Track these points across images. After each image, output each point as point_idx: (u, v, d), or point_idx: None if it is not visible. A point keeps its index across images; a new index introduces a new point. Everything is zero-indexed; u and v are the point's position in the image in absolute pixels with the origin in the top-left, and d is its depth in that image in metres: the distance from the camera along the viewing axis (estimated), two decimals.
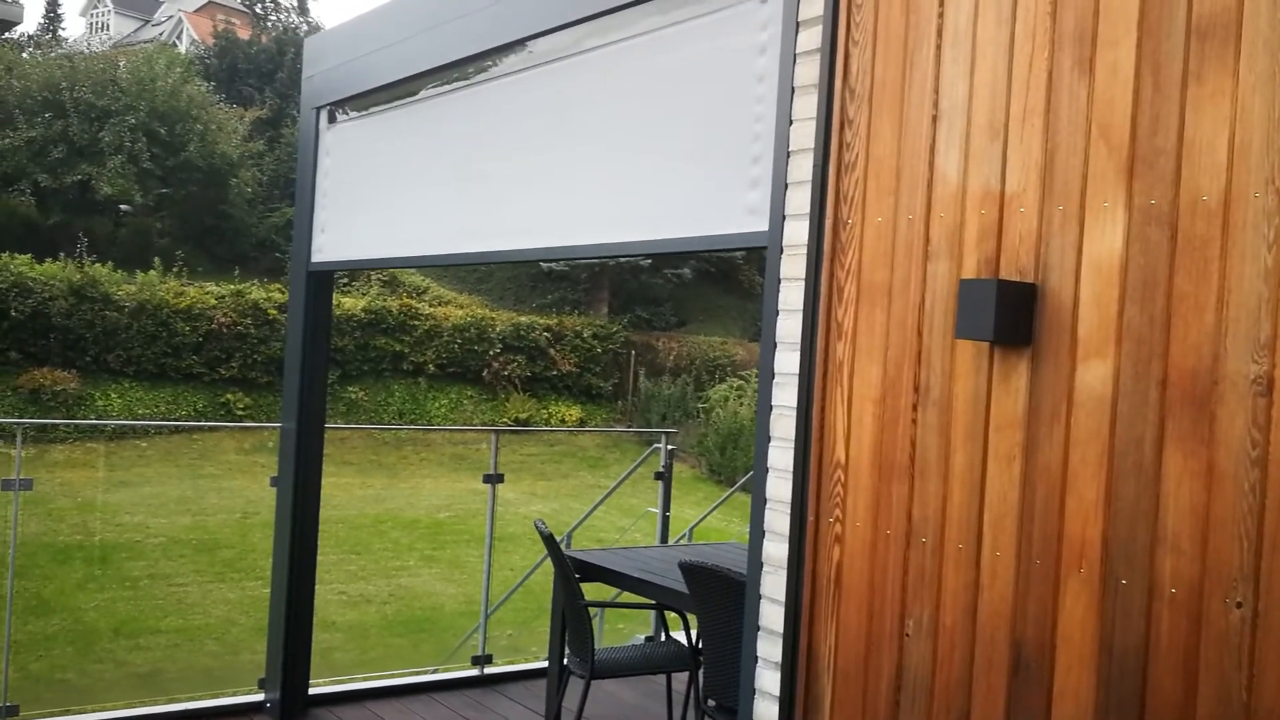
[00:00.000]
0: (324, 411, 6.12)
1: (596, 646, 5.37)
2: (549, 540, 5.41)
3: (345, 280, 26.20)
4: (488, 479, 6.91)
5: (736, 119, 3.56)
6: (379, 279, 27.42)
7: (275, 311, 22.47)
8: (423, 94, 5.31)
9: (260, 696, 6.08)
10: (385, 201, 5.44)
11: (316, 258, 5.89)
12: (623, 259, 27.01)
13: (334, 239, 5.80)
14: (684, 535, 8.90)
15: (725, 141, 3.60)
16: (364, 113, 5.72)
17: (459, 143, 4.95)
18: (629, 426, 25.64)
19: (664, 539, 7.93)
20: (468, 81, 4.95)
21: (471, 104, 4.88)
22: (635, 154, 3.99)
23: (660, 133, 3.88)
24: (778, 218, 3.32)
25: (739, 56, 3.55)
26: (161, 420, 20.94)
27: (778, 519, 3.30)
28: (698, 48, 3.75)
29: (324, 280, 6.00)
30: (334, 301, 7.40)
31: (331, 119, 5.86)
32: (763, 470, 3.36)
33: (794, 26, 3.31)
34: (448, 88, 5.10)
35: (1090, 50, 2.61)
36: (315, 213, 5.92)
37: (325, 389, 6.13)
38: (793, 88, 3.30)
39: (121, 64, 28.54)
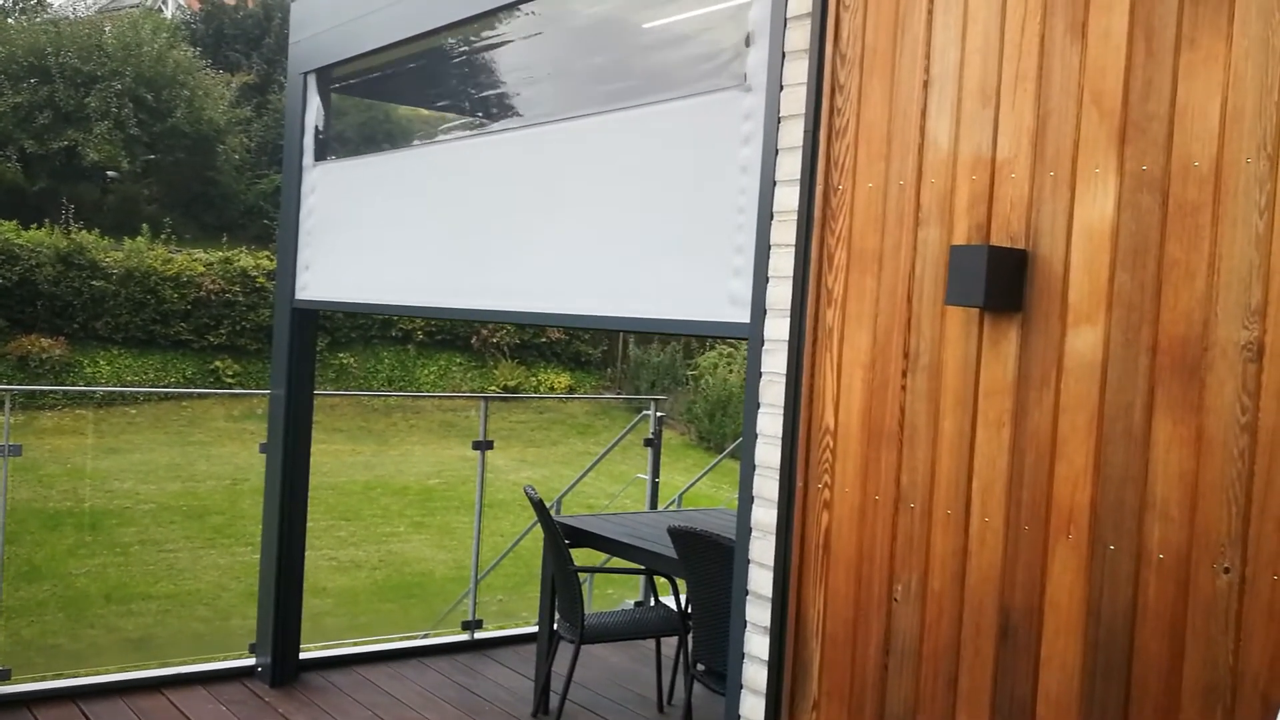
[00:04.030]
0: (313, 379, 6.12)
1: (586, 611, 5.39)
2: (539, 506, 5.42)
3: None
4: (477, 445, 6.91)
5: (720, 210, 3.55)
6: None
7: (264, 279, 22.38)
8: (412, 145, 5.35)
9: (251, 661, 6.10)
10: (370, 248, 5.46)
11: (301, 295, 5.91)
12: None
13: (318, 278, 5.82)
14: (673, 501, 8.92)
15: (709, 230, 3.59)
16: (351, 156, 5.73)
17: (445, 198, 4.96)
18: (618, 393, 25.64)
19: (653, 505, 7.95)
20: (455, 137, 4.97)
21: (458, 159, 4.90)
22: (618, 228, 4.00)
23: (644, 211, 3.89)
24: (768, 194, 3.31)
25: (723, 145, 3.53)
26: (150, 387, 20.88)
27: (767, 485, 3.30)
28: (684, 132, 3.75)
29: (308, 317, 6.03)
30: None
31: (318, 156, 5.86)
32: (752, 436, 3.36)
33: None
34: (436, 141, 5.14)
35: (1083, 15, 2.60)
36: (299, 250, 5.93)
37: (314, 358, 6.13)
38: (784, 52, 3.28)
39: (107, 29, 28.21)
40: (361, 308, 5.65)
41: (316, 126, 5.85)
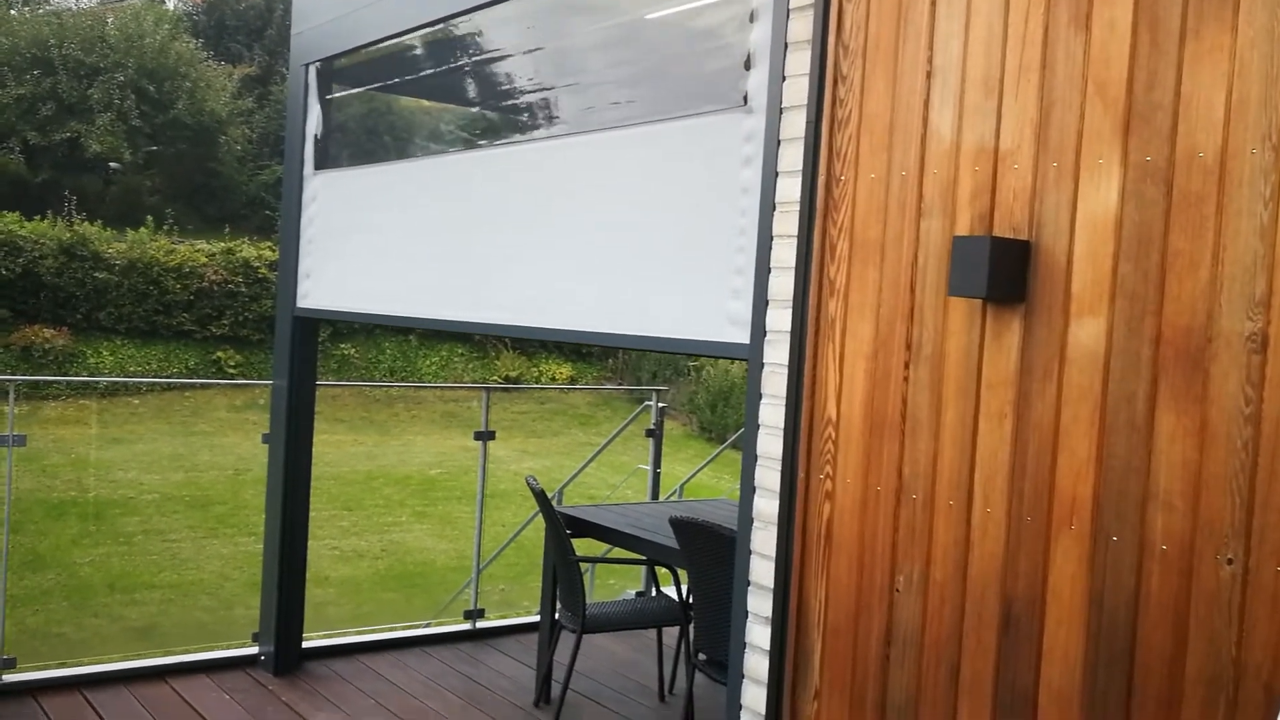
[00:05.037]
0: (315, 372, 6.13)
1: (588, 601, 5.40)
2: (540, 496, 5.42)
3: None
4: (479, 436, 6.91)
5: (721, 230, 3.53)
6: None
7: (266, 270, 22.40)
8: (413, 157, 5.35)
9: (255, 650, 6.12)
10: (370, 257, 5.46)
11: (302, 303, 5.92)
12: None
13: (319, 287, 5.83)
14: (675, 492, 8.94)
15: (710, 249, 3.57)
16: (351, 166, 5.73)
17: (446, 210, 4.95)
18: (620, 384, 25.65)
19: (655, 495, 7.95)
20: (456, 150, 4.98)
21: (459, 171, 4.89)
22: (618, 246, 3.98)
23: (644, 230, 3.87)
24: (769, 186, 3.31)
25: (724, 165, 3.52)
26: (153, 377, 20.91)
27: (768, 475, 3.30)
28: (684, 152, 3.73)
29: (310, 325, 6.04)
30: None
31: (319, 165, 5.87)
32: (754, 427, 3.36)
33: None
34: (437, 153, 5.15)
35: (1087, 5, 2.59)
36: (301, 258, 5.94)
37: (316, 354, 6.14)
38: (786, 42, 3.27)
39: (110, 21, 28.18)
40: (361, 317, 5.65)
41: (316, 135, 5.85)
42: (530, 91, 4.72)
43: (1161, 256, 2.43)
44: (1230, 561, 2.30)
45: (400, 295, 5.22)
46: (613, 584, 10.59)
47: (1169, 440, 2.41)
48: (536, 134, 4.58)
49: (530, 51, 4.67)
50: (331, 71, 5.88)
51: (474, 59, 5.07)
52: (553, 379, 24.84)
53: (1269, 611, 2.25)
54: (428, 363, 24.12)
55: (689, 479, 9.22)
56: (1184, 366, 2.39)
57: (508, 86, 4.95)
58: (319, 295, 5.81)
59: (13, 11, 28.89)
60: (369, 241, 5.44)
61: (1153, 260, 2.44)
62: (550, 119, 4.59)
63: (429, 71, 5.38)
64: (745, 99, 3.45)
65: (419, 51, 5.40)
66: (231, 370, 21.97)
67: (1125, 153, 2.50)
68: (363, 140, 5.93)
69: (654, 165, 3.85)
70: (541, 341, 25.33)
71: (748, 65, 3.45)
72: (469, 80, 5.15)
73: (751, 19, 3.44)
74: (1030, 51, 2.70)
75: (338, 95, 5.91)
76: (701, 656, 4.80)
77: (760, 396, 3.34)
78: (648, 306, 3.83)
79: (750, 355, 3.37)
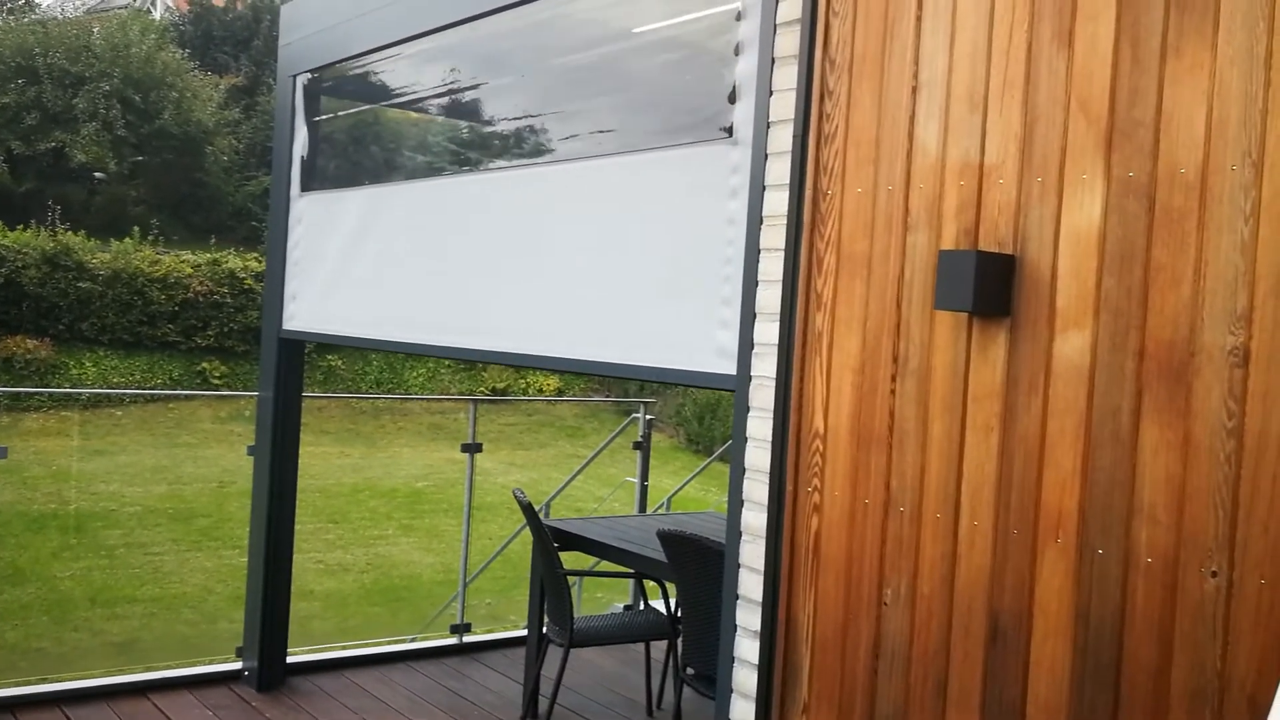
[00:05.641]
0: (301, 383, 6.11)
1: (575, 615, 5.39)
2: (527, 509, 5.41)
3: None
4: (466, 448, 6.90)
5: (707, 260, 3.53)
6: None
7: (251, 281, 22.35)
8: (399, 180, 5.37)
9: (238, 665, 6.09)
10: (357, 280, 5.45)
11: (288, 325, 5.92)
12: None
13: (305, 309, 5.82)
14: (662, 504, 8.94)
15: (697, 280, 3.58)
16: (338, 188, 5.73)
17: (432, 235, 4.95)
18: (607, 396, 25.64)
19: (642, 508, 7.95)
20: (444, 174, 5.01)
21: (446, 196, 4.90)
22: (606, 275, 3.98)
23: (631, 260, 3.88)
24: (756, 201, 3.32)
25: (710, 197, 3.52)
26: (137, 389, 20.84)
27: (756, 488, 3.31)
28: (671, 183, 3.74)
29: (295, 347, 6.04)
30: None
31: (304, 186, 5.88)
32: (741, 440, 3.37)
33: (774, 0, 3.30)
34: (424, 178, 5.17)
35: (1070, 23, 2.61)
36: (287, 280, 5.94)
37: (302, 363, 6.13)
38: (773, 58, 3.29)
39: (95, 30, 28.13)
40: (347, 341, 5.64)
41: (303, 156, 5.85)
42: (518, 117, 4.72)
43: (1144, 271, 2.45)
44: (1214, 574, 2.32)
45: (386, 319, 5.21)
46: (600, 597, 10.57)
47: (1153, 454, 2.42)
48: (523, 160, 4.59)
49: (517, 77, 4.68)
50: (319, 89, 5.89)
51: (459, 85, 5.07)
52: (540, 390, 24.82)
53: (1253, 624, 2.26)
54: (414, 374, 24.09)
55: (676, 491, 9.23)
56: (1167, 380, 2.40)
57: (492, 114, 4.95)
58: (305, 317, 5.80)
59: None
60: (356, 264, 5.44)
61: (1136, 275, 2.46)
62: (538, 143, 4.59)
63: (414, 97, 5.38)
64: (730, 131, 3.46)
65: (406, 68, 5.40)
66: (216, 381, 21.91)
67: (1108, 168, 2.52)
68: (350, 152, 5.93)
69: (640, 195, 3.85)
70: None
71: (733, 98, 3.45)
72: (457, 101, 5.15)
73: (737, 51, 3.45)
74: (1014, 67, 2.72)
75: (324, 118, 5.91)
76: (689, 671, 4.79)
77: (748, 409, 3.35)
78: (634, 336, 3.82)
79: (737, 368, 3.38)
